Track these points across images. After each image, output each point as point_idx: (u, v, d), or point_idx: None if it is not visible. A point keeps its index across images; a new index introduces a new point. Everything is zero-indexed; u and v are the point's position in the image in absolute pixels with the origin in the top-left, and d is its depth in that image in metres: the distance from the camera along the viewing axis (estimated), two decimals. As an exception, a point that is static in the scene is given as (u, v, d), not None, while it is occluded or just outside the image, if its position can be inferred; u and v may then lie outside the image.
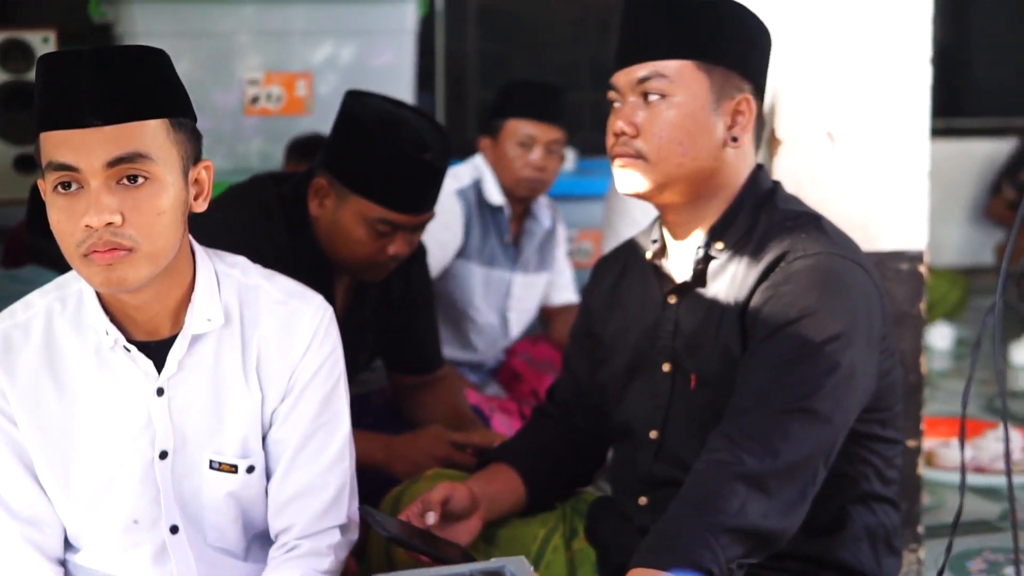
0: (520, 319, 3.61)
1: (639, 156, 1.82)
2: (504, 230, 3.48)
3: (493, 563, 1.07)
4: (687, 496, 1.69)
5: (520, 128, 3.40)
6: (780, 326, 1.75)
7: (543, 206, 3.61)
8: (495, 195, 3.44)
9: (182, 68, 1.67)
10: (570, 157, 4.69)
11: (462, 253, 3.42)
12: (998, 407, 4.15)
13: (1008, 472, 1.32)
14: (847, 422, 1.77)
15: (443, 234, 3.36)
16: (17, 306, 1.74)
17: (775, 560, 1.78)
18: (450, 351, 3.48)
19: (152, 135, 1.58)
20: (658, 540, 1.67)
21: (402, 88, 4.22)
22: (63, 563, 1.77)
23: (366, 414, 2.78)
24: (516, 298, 3.57)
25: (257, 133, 4.16)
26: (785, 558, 1.80)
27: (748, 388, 1.74)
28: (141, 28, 4.00)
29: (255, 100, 4.14)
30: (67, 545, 1.77)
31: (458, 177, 3.44)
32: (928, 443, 3.36)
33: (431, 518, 1.86)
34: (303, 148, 3.58)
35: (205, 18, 4.07)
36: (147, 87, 1.59)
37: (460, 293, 3.46)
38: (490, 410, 2.96)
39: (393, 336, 2.63)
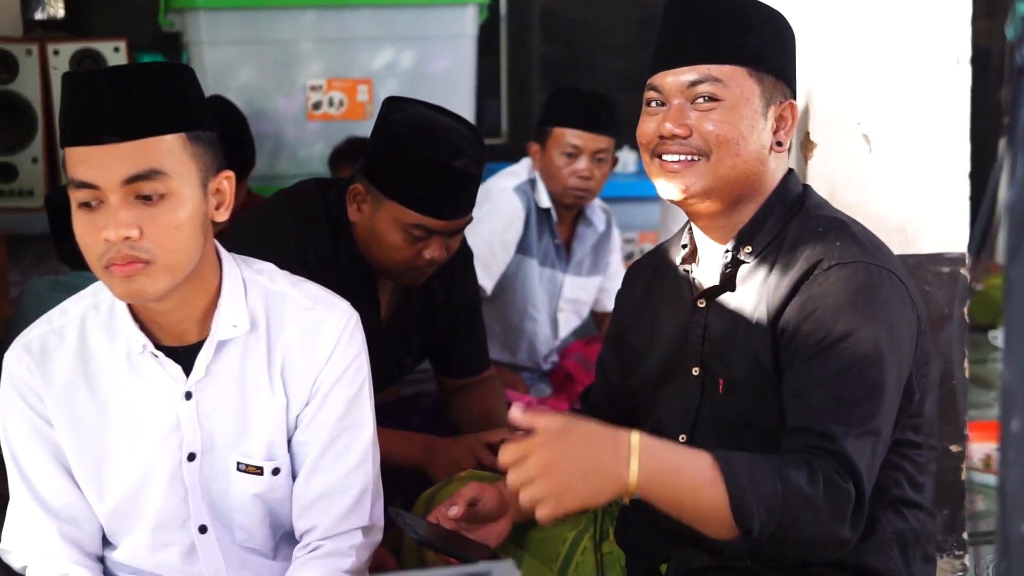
0: (569, 321, 3.61)
1: (699, 155, 1.80)
2: (554, 232, 3.49)
3: (480, 567, 1.09)
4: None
5: (566, 137, 3.39)
6: (826, 347, 1.71)
7: (597, 209, 3.60)
8: (544, 199, 3.45)
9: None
10: (631, 159, 4.68)
11: (522, 249, 3.43)
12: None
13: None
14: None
15: (506, 234, 3.37)
16: (53, 312, 1.80)
17: (802, 565, 1.77)
18: (505, 355, 3.50)
19: (169, 150, 1.63)
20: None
21: (462, 93, 4.24)
22: (101, 559, 1.83)
23: (414, 414, 2.81)
24: (566, 299, 3.57)
25: (319, 138, 4.21)
26: (811, 563, 1.79)
27: (804, 408, 1.70)
28: (207, 37, 4.06)
29: (317, 106, 4.19)
30: (105, 542, 1.83)
31: (516, 174, 3.45)
32: (987, 447, 3.30)
33: (454, 510, 1.89)
34: (346, 153, 3.62)
35: (268, 26, 4.11)
36: (163, 103, 1.63)
37: (521, 289, 3.46)
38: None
39: (437, 339, 2.66)
